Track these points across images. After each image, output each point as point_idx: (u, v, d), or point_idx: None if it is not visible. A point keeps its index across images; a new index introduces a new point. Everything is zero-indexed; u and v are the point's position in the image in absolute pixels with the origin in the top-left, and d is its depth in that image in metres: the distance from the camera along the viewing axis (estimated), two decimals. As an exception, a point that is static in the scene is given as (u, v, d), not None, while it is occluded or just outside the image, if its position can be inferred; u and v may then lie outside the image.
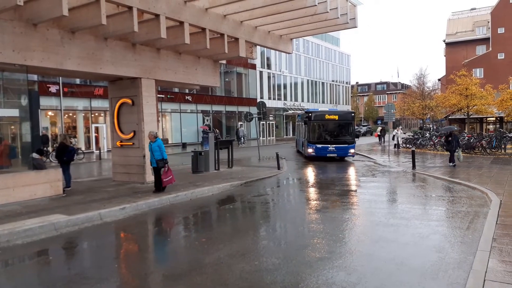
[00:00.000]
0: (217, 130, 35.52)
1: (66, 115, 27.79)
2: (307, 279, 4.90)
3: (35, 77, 21.14)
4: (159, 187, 10.70)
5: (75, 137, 27.29)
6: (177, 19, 11.36)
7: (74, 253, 6.77)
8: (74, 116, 28.41)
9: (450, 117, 41.73)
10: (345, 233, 7.20)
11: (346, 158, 20.76)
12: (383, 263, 5.44)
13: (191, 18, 11.70)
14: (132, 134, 12.84)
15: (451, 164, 16.29)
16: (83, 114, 28.63)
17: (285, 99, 53.55)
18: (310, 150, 20.13)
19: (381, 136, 34.68)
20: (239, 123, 42.86)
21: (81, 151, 23.61)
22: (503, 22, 43.42)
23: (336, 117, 20.80)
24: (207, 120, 39.50)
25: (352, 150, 20.23)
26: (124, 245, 7.26)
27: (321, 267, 5.30)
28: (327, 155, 19.91)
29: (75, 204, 9.28)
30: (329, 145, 19.95)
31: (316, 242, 6.57)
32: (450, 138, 16.95)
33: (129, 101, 12.82)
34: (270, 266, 5.39)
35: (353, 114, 21.34)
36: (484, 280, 4.43)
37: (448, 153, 17.48)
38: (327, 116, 20.64)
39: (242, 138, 37.70)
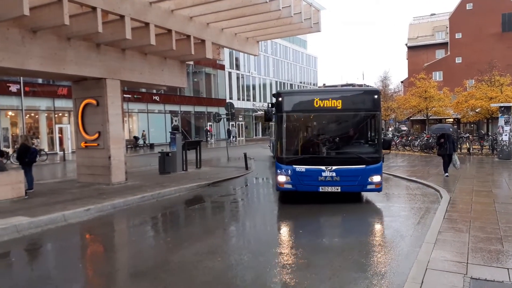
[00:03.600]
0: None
1: (28, 115, 26.92)
2: (266, 273, 5.18)
3: (-6, 76, 20.43)
4: None
5: (37, 137, 26.48)
6: (143, 20, 11.39)
7: (37, 254, 6.74)
8: (37, 116, 27.55)
9: (412, 118, 43.44)
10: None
11: (364, 195, 10.57)
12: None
13: (156, 19, 11.76)
14: (97, 135, 12.74)
15: (446, 174, 13.14)
16: (46, 114, 27.81)
17: (254, 100, 53.95)
18: (282, 179, 9.51)
19: None
20: (231, 123, 43.11)
21: (44, 152, 22.98)
22: (460, 27, 45.62)
23: (339, 104, 9.44)
24: (176, 121, 39.26)
25: (376, 178, 9.36)
26: (89, 245, 7.30)
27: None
28: (319, 189, 9.34)
29: (38, 206, 9.16)
30: (324, 167, 9.24)
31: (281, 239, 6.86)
32: (442, 140, 13.47)
33: (94, 101, 12.71)
34: (233, 262, 5.64)
35: (377, 96, 9.75)
36: (426, 269, 4.85)
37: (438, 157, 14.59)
38: (317, 102, 9.43)
39: (233, 138, 40.56)
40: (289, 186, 9.38)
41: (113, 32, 11.06)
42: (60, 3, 9.29)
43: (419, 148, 24.34)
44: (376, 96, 9.56)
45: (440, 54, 50.41)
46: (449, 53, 47.16)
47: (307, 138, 10.47)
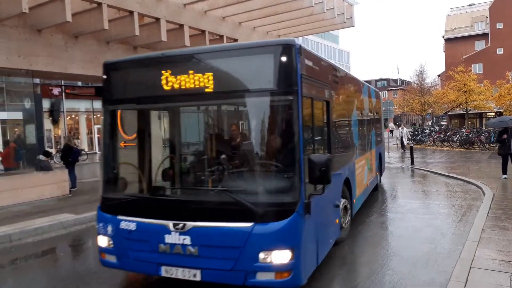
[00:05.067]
0: None
1: (69, 117, 28.12)
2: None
3: (37, 80, 21.47)
4: None
5: (78, 138, 27.63)
6: (177, 22, 11.63)
7: (82, 250, 7.07)
8: (77, 118, 28.75)
9: (450, 113, 41.95)
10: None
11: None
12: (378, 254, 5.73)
13: (190, 20, 11.97)
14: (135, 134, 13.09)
15: (504, 176, 11.34)
16: (85, 116, 28.97)
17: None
18: (102, 243, 4.61)
19: (392, 131, 34.84)
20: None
21: (84, 152, 23.94)
22: (502, 17, 43.53)
23: (209, 80, 4.06)
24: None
25: (279, 255, 3.81)
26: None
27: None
28: (161, 273, 4.20)
29: (81, 204, 9.58)
30: (171, 222, 4.06)
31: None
32: (505, 136, 11.28)
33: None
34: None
35: (293, 56, 3.91)
36: (470, 268, 4.71)
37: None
38: (168, 81, 4.23)
39: None
40: (112, 259, 4.54)
41: (149, 34, 11.35)
42: (99, 8, 9.65)
43: (458, 143, 23.50)
44: (290, 58, 3.92)
45: (479, 45, 48.29)
46: (489, 44, 45.13)
47: (145, 159, 5.00)
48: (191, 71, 4.12)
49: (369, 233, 6.95)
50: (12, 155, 12.50)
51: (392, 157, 19.61)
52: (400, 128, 25.06)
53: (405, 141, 23.68)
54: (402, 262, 5.35)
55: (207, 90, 4.07)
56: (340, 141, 6.17)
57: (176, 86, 4.18)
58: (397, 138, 24.80)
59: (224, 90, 4.19)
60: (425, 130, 31.92)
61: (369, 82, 78.80)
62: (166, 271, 4.16)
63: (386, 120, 44.98)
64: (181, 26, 11.73)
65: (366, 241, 6.50)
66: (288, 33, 16.28)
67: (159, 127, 5.52)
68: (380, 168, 11.22)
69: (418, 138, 27.45)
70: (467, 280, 4.35)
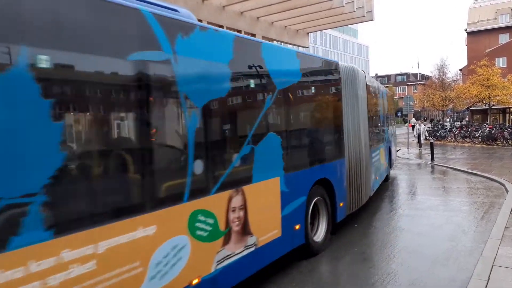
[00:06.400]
0: None
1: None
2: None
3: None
4: None
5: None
6: (195, 17, 11.67)
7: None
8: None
9: (472, 108, 40.97)
10: (361, 223, 7.41)
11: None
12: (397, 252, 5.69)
13: (209, 16, 12.01)
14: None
15: None
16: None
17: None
18: None
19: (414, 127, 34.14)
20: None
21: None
22: (528, 9, 42.16)
23: None
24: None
25: None
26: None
27: (336, 254, 5.55)
28: None
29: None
30: None
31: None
32: None
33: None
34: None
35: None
36: (492, 266, 4.63)
37: None
38: None
39: None
40: None
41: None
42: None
43: (480, 139, 22.97)
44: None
45: (504, 38, 46.92)
46: (514, 37, 43.82)
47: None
48: None
49: (388, 229, 6.90)
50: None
51: (411, 153, 19.34)
52: (417, 124, 23.47)
53: (422, 139, 22.08)
54: (422, 260, 5.29)
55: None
56: None
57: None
58: (414, 135, 23.39)
59: None
60: (446, 125, 31.31)
61: (388, 76, 77.96)
62: None
63: (406, 115, 44.40)
64: (199, 21, 11.76)
65: (385, 237, 6.46)
66: (307, 28, 16.18)
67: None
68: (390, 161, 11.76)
69: (438, 134, 26.93)
70: (489, 279, 4.29)
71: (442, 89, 46.17)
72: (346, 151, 6.58)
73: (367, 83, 7.91)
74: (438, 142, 24.37)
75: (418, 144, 22.28)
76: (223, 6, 12.46)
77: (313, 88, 5.92)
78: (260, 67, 4.49)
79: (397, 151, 15.89)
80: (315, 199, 5.54)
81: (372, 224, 7.26)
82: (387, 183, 11.18)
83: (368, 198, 7.83)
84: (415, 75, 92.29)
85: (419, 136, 22.39)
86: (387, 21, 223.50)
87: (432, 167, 14.71)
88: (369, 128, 7.77)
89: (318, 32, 54.55)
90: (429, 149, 16.30)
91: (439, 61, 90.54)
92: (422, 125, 23.42)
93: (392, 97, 11.78)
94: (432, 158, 15.72)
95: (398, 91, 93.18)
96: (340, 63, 6.69)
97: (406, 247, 5.87)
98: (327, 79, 6.32)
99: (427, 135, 24.40)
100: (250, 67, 4.39)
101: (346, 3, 13.23)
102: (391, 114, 11.88)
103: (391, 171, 12.16)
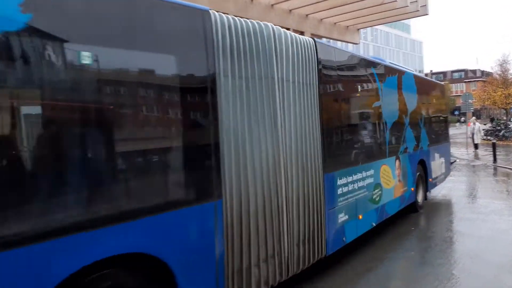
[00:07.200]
0: None
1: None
2: (375, 268, 5.00)
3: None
4: None
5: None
6: (244, 17, 11.74)
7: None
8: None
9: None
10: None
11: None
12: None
13: (257, 15, 12.02)
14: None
15: None
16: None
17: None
18: None
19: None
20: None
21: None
22: None
23: None
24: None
25: None
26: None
27: (390, 258, 5.33)
28: None
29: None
30: None
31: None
32: None
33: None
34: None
35: None
36: None
37: None
38: None
39: None
40: None
41: (218, 30, 11.59)
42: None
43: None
44: None
45: None
46: None
47: None
48: None
49: (448, 233, 6.51)
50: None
51: (470, 154, 18.27)
52: (472, 123, 21.40)
53: (475, 139, 20.36)
54: (486, 266, 4.92)
55: None
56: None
57: None
58: (467, 135, 21.33)
59: None
60: (510, 125, 29.17)
61: (444, 73, 74.37)
62: None
63: (464, 114, 41.89)
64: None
65: (445, 241, 6.09)
66: (357, 24, 15.75)
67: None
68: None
69: (501, 134, 25.17)
70: None
71: (504, 86, 43.20)
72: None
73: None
74: (501, 143, 22.77)
75: (473, 145, 20.46)
76: (272, 5, 12.43)
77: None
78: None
79: (452, 163, 12.35)
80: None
81: (429, 226, 6.87)
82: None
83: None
84: (474, 71, 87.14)
85: (473, 135, 20.59)
86: (442, 14, 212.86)
87: (495, 169, 13.76)
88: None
89: (369, 29, 53.06)
90: (488, 150, 15.19)
91: (501, 56, 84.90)
92: (477, 123, 21.47)
93: (431, 85, 9.40)
94: (495, 159, 14.70)
95: (455, 89, 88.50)
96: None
97: (468, 251, 5.48)
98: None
99: (482, 134, 22.52)
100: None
101: (399, -3, 12.71)
102: (431, 110, 8.88)
103: (428, 194, 8.76)
